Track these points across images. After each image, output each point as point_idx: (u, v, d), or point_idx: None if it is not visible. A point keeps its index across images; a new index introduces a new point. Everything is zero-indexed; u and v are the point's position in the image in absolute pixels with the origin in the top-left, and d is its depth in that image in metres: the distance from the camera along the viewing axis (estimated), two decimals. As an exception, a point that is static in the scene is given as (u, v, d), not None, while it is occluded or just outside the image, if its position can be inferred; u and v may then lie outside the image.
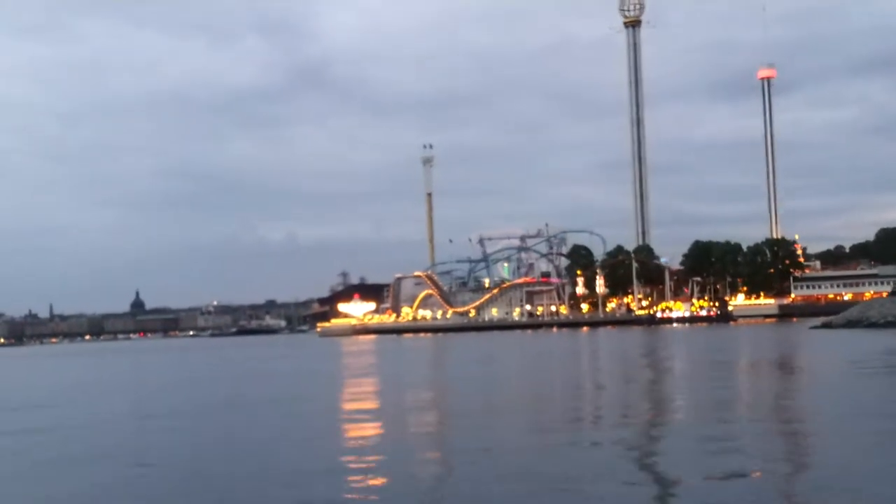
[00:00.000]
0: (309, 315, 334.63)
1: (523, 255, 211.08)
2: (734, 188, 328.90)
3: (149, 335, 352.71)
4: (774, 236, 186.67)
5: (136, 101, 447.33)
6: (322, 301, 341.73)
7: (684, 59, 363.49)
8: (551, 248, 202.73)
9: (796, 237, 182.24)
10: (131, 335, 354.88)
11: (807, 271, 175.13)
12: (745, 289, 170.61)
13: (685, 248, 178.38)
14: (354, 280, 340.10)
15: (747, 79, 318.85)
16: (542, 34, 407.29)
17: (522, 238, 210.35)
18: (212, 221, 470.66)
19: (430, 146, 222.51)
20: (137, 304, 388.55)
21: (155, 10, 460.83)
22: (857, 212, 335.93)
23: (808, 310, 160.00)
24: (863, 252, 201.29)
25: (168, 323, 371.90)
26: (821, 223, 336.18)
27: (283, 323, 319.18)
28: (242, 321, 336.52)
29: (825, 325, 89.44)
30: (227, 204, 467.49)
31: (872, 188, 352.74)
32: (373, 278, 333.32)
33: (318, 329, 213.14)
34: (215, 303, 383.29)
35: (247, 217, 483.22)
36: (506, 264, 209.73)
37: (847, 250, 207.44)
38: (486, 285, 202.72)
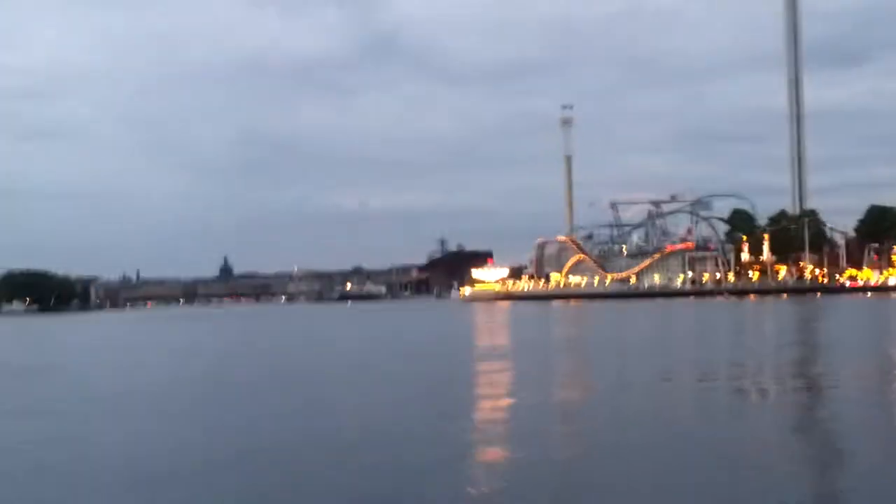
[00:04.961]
0: (411, 282, 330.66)
1: (658, 221, 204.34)
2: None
3: (242, 300, 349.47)
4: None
5: (211, 68, 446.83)
6: (421, 268, 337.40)
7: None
8: (693, 212, 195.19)
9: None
10: (224, 300, 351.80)
11: None
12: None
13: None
14: (452, 247, 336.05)
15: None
16: (613, 1, 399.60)
17: (657, 203, 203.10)
18: (286, 189, 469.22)
19: (571, 107, 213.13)
20: (226, 270, 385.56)
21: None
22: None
23: None
24: None
25: (259, 288, 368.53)
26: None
27: (383, 289, 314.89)
28: (337, 287, 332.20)
29: None
30: (300, 171, 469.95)
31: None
32: (454, 246, 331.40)
33: (461, 295, 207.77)
34: (296, 269, 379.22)
35: (320, 184, 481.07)
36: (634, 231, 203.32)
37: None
38: (624, 251, 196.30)
